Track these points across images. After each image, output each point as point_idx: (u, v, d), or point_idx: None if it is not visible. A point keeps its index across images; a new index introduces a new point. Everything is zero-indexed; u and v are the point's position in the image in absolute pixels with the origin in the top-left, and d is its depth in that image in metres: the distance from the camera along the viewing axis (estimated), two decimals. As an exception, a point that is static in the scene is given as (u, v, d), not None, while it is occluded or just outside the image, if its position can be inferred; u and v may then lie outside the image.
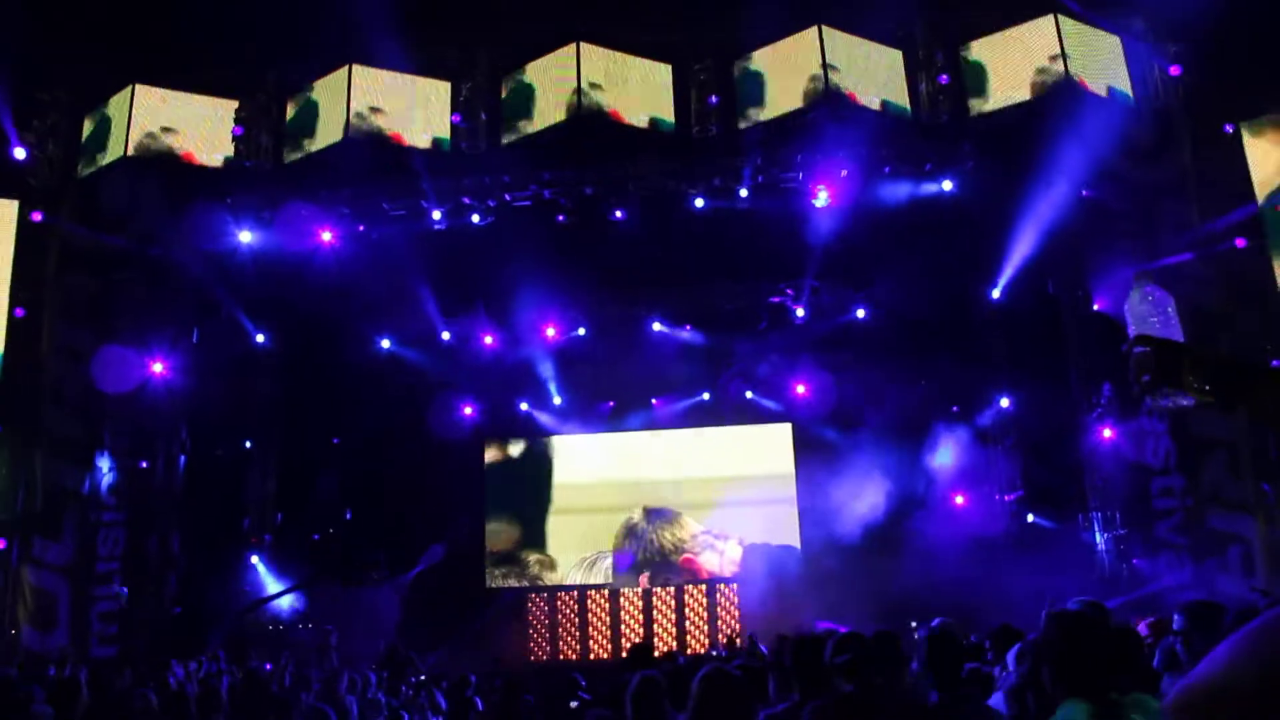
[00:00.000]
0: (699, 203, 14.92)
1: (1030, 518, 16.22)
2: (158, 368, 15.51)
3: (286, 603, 16.94)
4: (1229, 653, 1.51)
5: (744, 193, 14.75)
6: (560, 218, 15.21)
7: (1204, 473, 13.35)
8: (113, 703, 7.24)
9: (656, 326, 17.71)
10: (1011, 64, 13.42)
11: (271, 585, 17.16)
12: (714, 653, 12.99)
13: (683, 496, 18.44)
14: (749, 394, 18.63)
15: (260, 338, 16.68)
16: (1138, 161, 12.98)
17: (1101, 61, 13.39)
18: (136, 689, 7.62)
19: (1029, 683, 3.79)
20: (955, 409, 17.00)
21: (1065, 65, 13.05)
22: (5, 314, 15.41)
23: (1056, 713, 3.18)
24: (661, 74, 14.40)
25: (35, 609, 14.37)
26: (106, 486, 15.00)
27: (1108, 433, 14.60)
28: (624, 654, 16.61)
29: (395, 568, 16.94)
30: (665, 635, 17.32)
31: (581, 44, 13.92)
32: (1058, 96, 13.11)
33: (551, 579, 18.21)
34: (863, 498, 16.23)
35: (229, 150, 14.93)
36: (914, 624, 10.24)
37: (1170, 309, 2.13)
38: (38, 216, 15.35)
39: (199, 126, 14.83)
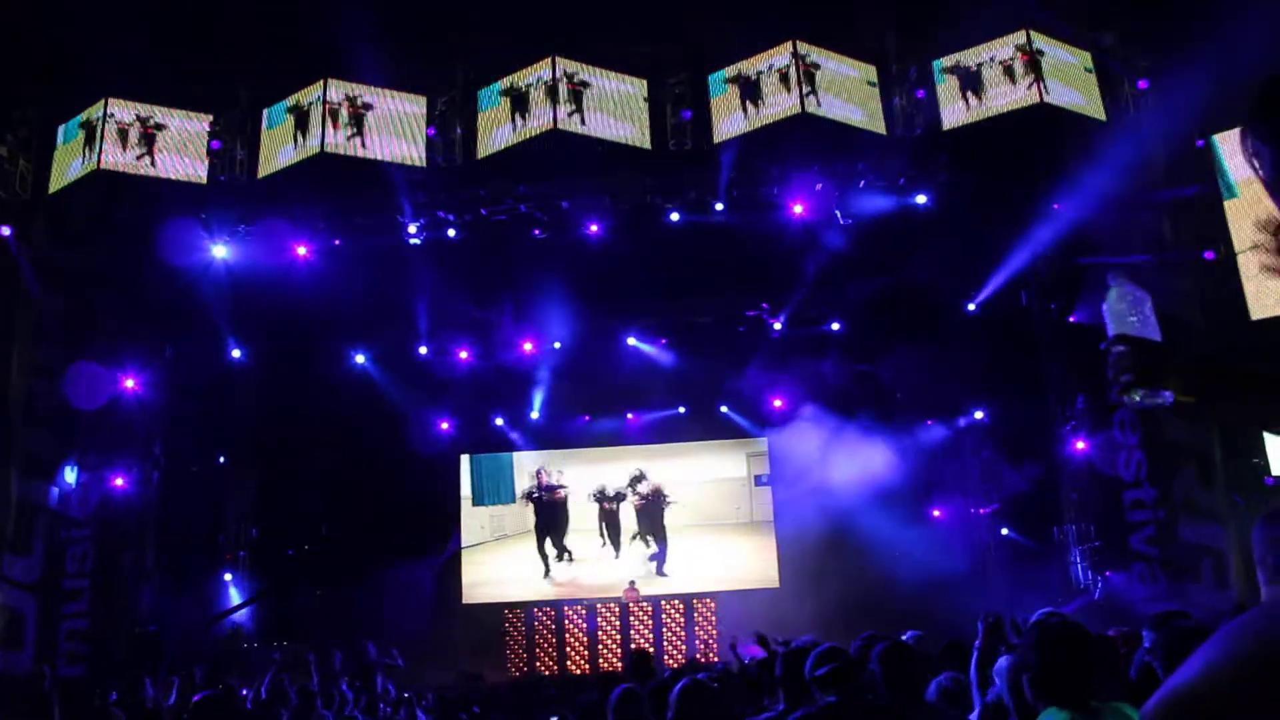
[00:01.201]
0: (674, 217, 14.97)
1: (1004, 530, 16.30)
2: (130, 383, 15.41)
3: (240, 616, 16.78)
4: (1202, 659, 1.54)
5: (719, 206, 14.81)
6: (536, 231, 15.23)
7: (1175, 484, 13.45)
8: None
9: (632, 341, 17.71)
10: (984, 78, 13.54)
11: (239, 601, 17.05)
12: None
13: (658, 509, 18.44)
14: (724, 408, 18.66)
15: (236, 353, 16.56)
16: (1109, 175, 13.10)
17: (1072, 75, 13.54)
18: (111, 707, 7.55)
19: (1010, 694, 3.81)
20: (929, 422, 17.08)
21: (1037, 79, 13.19)
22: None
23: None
24: (637, 88, 14.44)
25: (3, 627, 14.21)
26: (77, 502, 14.85)
27: (1081, 444, 14.72)
28: (602, 668, 16.62)
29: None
30: (643, 648, 17.25)
31: (557, 58, 13.96)
32: (1029, 111, 13.25)
33: (528, 594, 18.13)
34: (839, 511, 16.26)
35: (203, 164, 14.85)
36: (903, 637, 10.24)
37: (1148, 307, 2.14)
38: (7, 231, 15.25)
39: (173, 140, 14.75)
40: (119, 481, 15.13)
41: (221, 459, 17.62)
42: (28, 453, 14.83)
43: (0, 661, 13.63)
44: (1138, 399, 1.97)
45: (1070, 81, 13.46)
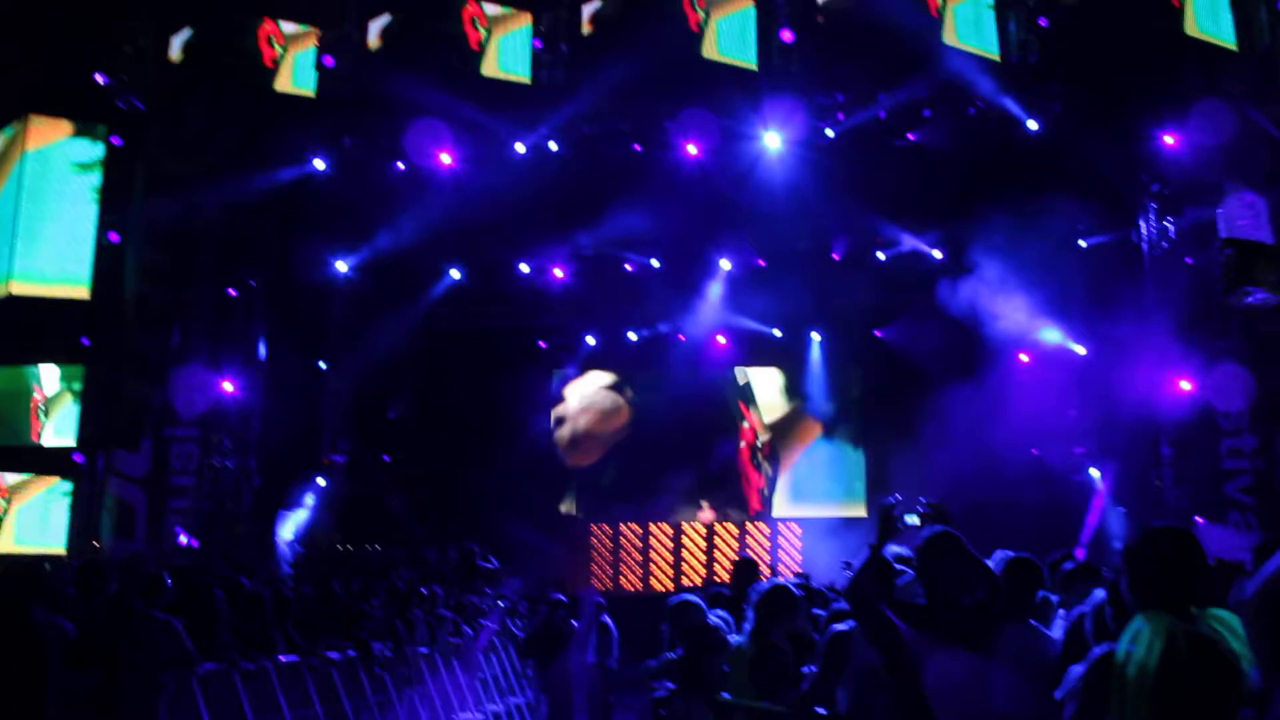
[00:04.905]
0: (775, 142, 14.76)
1: (1094, 471, 15.91)
2: (233, 291, 15.76)
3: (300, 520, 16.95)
4: None
5: (830, 133, 14.58)
6: (636, 147, 15.15)
7: (1277, 435, 13.02)
8: (192, 595, 7.49)
9: (725, 264, 17.55)
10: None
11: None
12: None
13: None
14: (815, 334, 18.49)
15: (342, 266, 16.78)
16: (1238, 104, 12.51)
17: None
18: (213, 588, 7.86)
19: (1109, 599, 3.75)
20: (1029, 358, 16.67)
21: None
22: (93, 236, 15.85)
23: (1132, 622, 3.15)
24: (745, 10, 14.23)
25: (117, 518, 14.92)
26: (184, 403, 15.26)
27: (1186, 385, 14.23)
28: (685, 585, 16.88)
29: None
30: (726, 570, 17.40)
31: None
32: (1153, 36, 12.72)
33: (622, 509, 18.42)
34: (928, 441, 16.05)
35: (312, 76, 15.07)
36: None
37: (1262, 210, 2.07)
38: (119, 141, 15.73)
39: (283, 51, 14.98)
40: (228, 386, 15.47)
41: (321, 365, 17.97)
42: (138, 354, 15.38)
43: (116, 550, 14.32)
44: (1240, 298, 1.93)
45: (1198, 4, 12.83)
